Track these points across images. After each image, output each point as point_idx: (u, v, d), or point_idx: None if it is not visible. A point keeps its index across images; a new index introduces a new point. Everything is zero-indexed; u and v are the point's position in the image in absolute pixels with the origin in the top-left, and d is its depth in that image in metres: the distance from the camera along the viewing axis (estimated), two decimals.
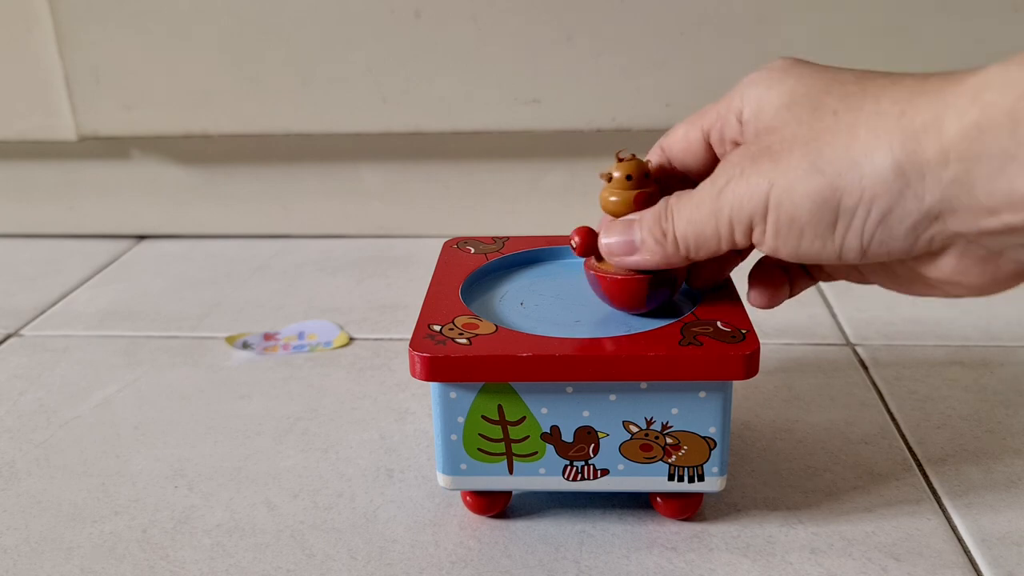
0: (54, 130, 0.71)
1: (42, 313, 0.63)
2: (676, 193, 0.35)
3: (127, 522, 0.40)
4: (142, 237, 0.77)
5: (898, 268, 0.32)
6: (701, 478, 0.37)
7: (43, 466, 0.45)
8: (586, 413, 0.36)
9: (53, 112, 0.71)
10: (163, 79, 0.69)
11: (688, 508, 0.39)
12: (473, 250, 0.44)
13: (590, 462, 0.37)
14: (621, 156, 0.36)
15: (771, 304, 0.37)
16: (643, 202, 0.36)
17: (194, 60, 0.68)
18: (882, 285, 0.34)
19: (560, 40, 0.65)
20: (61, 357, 0.56)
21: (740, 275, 0.38)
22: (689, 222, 0.33)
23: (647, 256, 0.35)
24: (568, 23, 0.65)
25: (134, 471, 0.44)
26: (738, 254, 0.38)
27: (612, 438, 0.36)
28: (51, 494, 0.43)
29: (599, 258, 0.37)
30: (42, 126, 0.71)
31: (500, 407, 0.36)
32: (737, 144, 0.33)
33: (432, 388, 0.36)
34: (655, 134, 0.68)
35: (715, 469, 0.37)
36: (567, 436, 0.36)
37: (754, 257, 0.37)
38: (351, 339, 0.57)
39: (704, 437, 0.36)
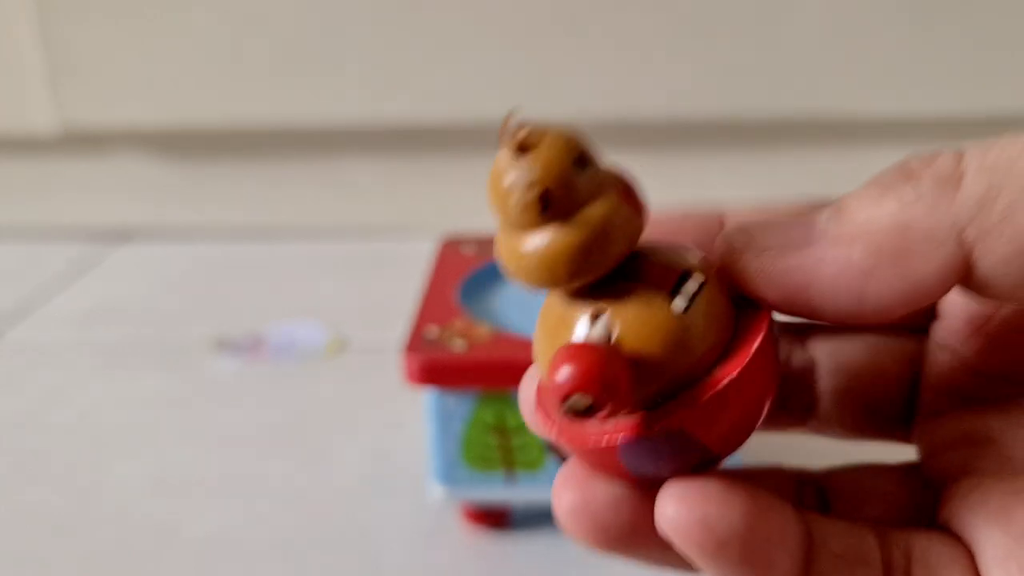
0: (33, 125, 0.70)
1: (21, 316, 0.62)
2: None
3: (108, 534, 0.39)
4: (126, 237, 0.76)
5: None
6: None
7: (21, 475, 0.44)
8: None
9: (32, 106, 0.69)
10: (147, 72, 0.68)
11: None
12: (472, 250, 0.43)
13: None
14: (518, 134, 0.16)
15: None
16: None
17: (179, 52, 0.67)
18: None
19: (563, 31, 0.64)
20: (40, 361, 0.55)
21: None
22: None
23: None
24: (572, 14, 0.64)
25: (115, 481, 0.43)
26: None
27: None
28: (29, 505, 0.41)
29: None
30: (20, 120, 0.70)
31: (499, 414, 0.35)
32: None
33: (427, 394, 0.35)
34: (659, 128, 0.69)
35: None
36: None
37: None
38: (343, 343, 0.56)
39: None
